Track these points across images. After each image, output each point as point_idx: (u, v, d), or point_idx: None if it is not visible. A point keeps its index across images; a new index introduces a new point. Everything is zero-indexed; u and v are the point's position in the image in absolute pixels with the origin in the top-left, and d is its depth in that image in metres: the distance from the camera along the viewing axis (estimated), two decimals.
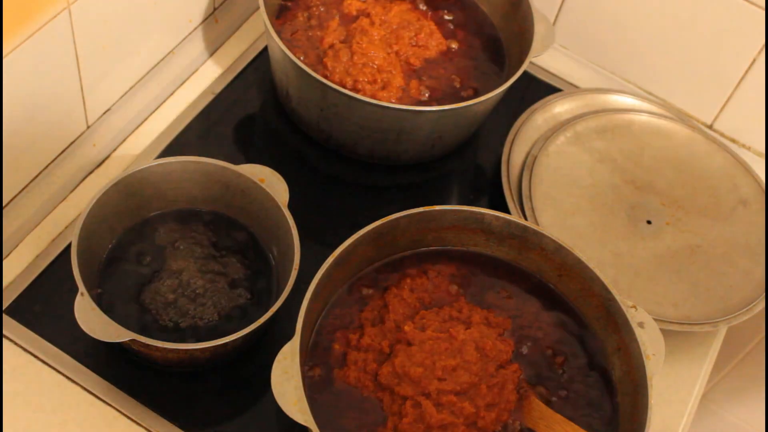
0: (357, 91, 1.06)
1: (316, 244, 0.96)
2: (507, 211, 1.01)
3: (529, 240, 0.94)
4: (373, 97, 1.05)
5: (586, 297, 0.93)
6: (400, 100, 1.08)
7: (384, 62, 1.09)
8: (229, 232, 0.98)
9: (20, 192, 0.99)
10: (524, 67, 1.05)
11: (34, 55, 0.88)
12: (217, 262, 0.94)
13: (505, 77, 1.14)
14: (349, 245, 0.87)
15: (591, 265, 0.91)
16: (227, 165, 0.94)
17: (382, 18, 1.13)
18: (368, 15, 1.13)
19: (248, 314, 0.91)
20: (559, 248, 0.93)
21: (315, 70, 1.03)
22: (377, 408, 0.85)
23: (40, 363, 0.90)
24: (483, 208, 0.94)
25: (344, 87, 1.04)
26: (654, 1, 1.21)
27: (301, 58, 1.09)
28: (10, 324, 0.92)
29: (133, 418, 0.88)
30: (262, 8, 1.03)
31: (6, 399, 0.88)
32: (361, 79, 1.06)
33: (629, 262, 1.07)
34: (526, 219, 1.07)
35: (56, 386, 0.89)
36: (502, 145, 1.15)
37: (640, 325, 0.88)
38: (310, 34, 1.12)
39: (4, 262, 0.96)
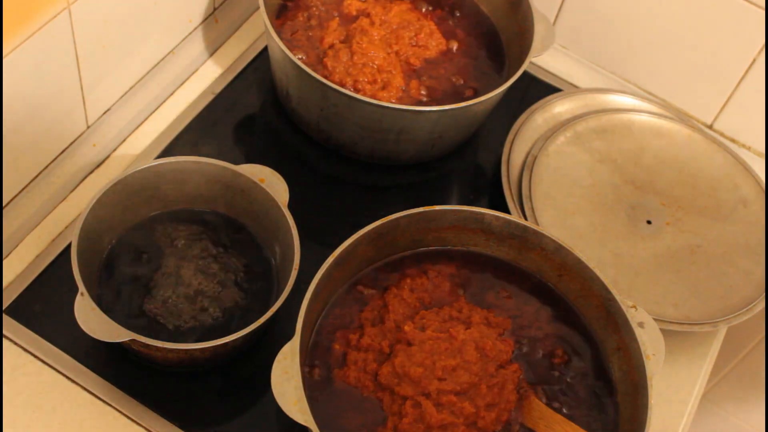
0: (357, 91, 1.06)
1: (316, 244, 0.96)
2: (507, 211, 1.01)
3: (529, 240, 0.94)
4: (373, 97, 1.05)
5: (586, 297, 0.93)
6: (400, 100, 1.08)
7: (384, 62, 1.09)
8: (229, 232, 0.98)
9: (20, 192, 0.99)
10: (524, 67, 1.05)
11: (34, 55, 0.88)
12: (217, 262, 0.94)
13: (505, 77, 1.14)
14: (349, 245, 0.87)
15: (591, 265, 0.91)
16: (227, 165, 0.94)
17: (382, 18, 1.13)
18: (368, 15, 1.13)
19: (248, 314, 0.91)
20: (559, 248, 0.93)
21: (315, 70, 1.03)
22: (377, 408, 0.85)
23: (40, 363, 0.90)
24: (483, 208, 0.94)
25: (344, 87, 1.05)
26: (654, 1, 1.21)
27: (301, 58, 1.09)
28: (10, 324, 0.92)
29: (133, 418, 0.88)
30: (262, 8, 1.03)
31: (6, 399, 0.88)
32: (361, 79, 1.06)
33: (629, 262, 1.07)
34: (526, 219, 1.07)
35: (56, 386, 0.90)
36: (502, 145, 1.15)
37: (640, 325, 0.88)
38: (310, 34, 1.12)
39: (4, 262, 0.96)
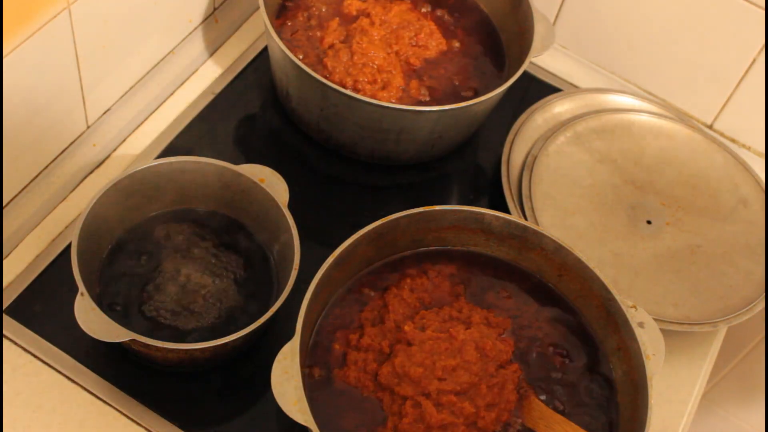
0: (357, 91, 1.06)
1: (316, 244, 0.96)
2: (507, 211, 1.01)
3: (529, 240, 0.94)
4: (373, 97, 1.05)
5: (586, 297, 0.93)
6: (400, 100, 1.08)
7: (384, 62, 1.09)
8: (229, 232, 0.98)
9: (20, 192, 0.99)
10: (524, 67, 1.05)
11: (34, 55, 0.88)
12: (217, 262, 0.94)
13: (505, 77, 1.14)
14: (349, 245, 0.87)
15: (591, 265, 0.91)
16: (227, 165, 0.94)
17: (382, 18, 1.13)
18: (368, 15, 1.13)
19: (248, 314, 0.91)
20: (559, 248, 0.93)
21: (315, 70, 1.03)
22: (377, 408, 0.85)
23: (40, 363, 0.90)
24: (483, 208, 0.94)
25: (344, 87, 1.05)
26: (654, 2, 1.21)
27: (301, 58, 1.09)
28: (10, 324, 0.92)
29: (133, 418, 0.88)
30: (262, 8, 1.03)
31: (6, 399, 0.88)
32: (361, 79, 1.06)
33: (629, 262, 1.07)
34: (526, 219, 1.07)
35: (56, 386, 0.89)
36: (502, 145, 1.15)
37: (640, 325, 0.88)
38: (310, 34, 1.12)
39: (4, 262, 0.96)
